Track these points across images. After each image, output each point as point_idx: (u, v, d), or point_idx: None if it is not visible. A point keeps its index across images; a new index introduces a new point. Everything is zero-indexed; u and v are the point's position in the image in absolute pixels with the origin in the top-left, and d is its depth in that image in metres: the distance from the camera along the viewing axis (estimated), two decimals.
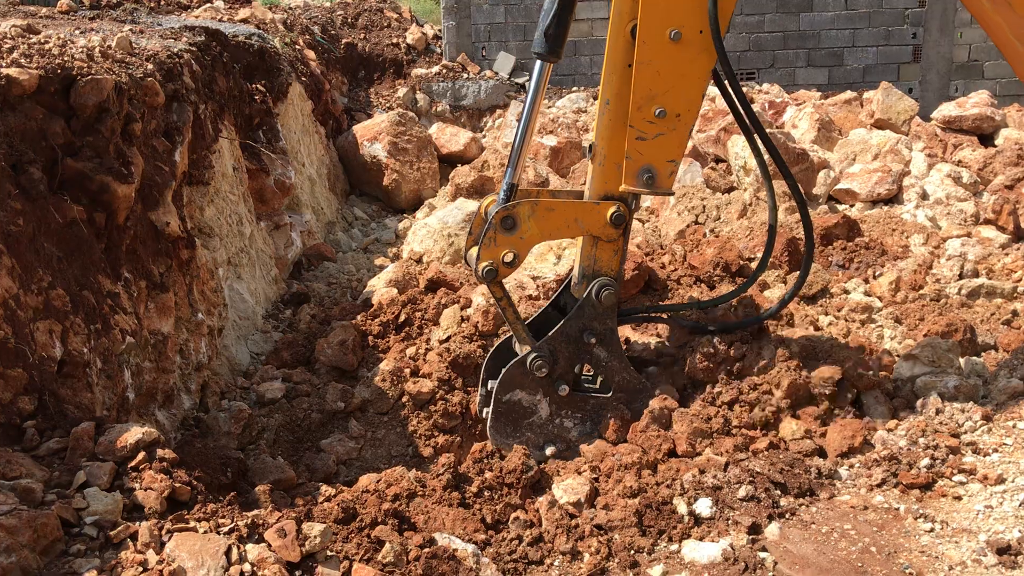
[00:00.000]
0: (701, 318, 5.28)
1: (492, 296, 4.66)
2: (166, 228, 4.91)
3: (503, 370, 4.66)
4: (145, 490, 3.38)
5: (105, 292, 4.25)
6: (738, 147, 8.36)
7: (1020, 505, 4.14)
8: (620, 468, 4.46)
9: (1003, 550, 3.87)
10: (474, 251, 4.56)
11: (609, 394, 4.76)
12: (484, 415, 4.83)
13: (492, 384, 4.72)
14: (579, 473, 4.60)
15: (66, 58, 4.38)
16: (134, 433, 3.54)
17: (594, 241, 4.60)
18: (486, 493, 4.42)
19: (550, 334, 4.64)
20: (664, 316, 5.30)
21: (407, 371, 5.28)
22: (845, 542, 4.04)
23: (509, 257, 4.48)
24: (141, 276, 4.66)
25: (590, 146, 4.59)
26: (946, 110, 9.68)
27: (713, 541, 3.96)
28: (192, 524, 3.33)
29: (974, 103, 9.72)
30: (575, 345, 4.67)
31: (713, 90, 11.40)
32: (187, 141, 5.39)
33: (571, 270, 4.95)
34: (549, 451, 4.69)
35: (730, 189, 8.28)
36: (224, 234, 5.99)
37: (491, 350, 4.98)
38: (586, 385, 4.89)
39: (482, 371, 4.91)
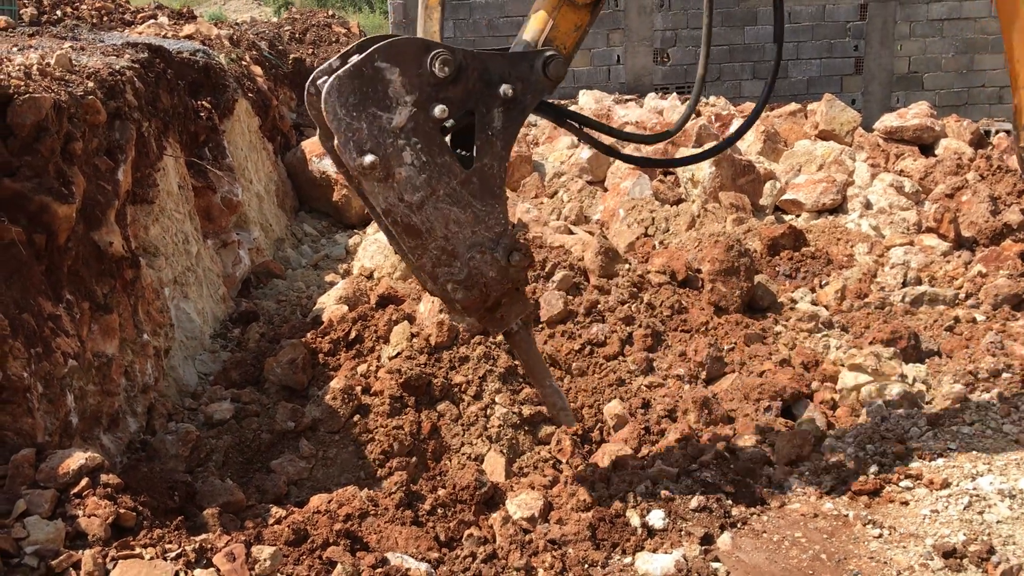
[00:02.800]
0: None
1: None
2: (109, 248, 4.82)
3: (401, 37, 3.68)
4: (88, 517, 3.30)
5: (46, 315, 4.15)
6: None
7: (965, 509, 4.22)
8: (573, 482, 4.47)
9: (949, 554, 3.94)
10: None
11: (467, 170, 3.81)
12: (319, 83, 3.70)
13: (356, 58, 3.61)
14: (532, 488, 4.59)
15: (2, 77, 4.29)
16: (77, 459, 3.46)
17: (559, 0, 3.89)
18: (439, 510, 4.40)
19: (475, 51, 3.77)
20: (579, 128, 4.53)
21: (358, 389, 5.24)
22: (796, 550, 4.09)
23: None
24: (84, 297, 4.57)
25: None
26: (888, 121, 9.91)
27: (666, 552, 3.98)
28: (138, 550, 3.26)
29: (915, 114, 9.95)
30: (483, 86, 3.75)
31: (661, 103, 11.52)
32: (130, 159, 5.30)
33: None
34: (367, 160, 3.58)
35: (678, 201, 8.36)
36: (170, 253, 5.90)
37: (374, 36, 3.88)
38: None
39: (352, 45, 3.79)
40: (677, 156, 8.68)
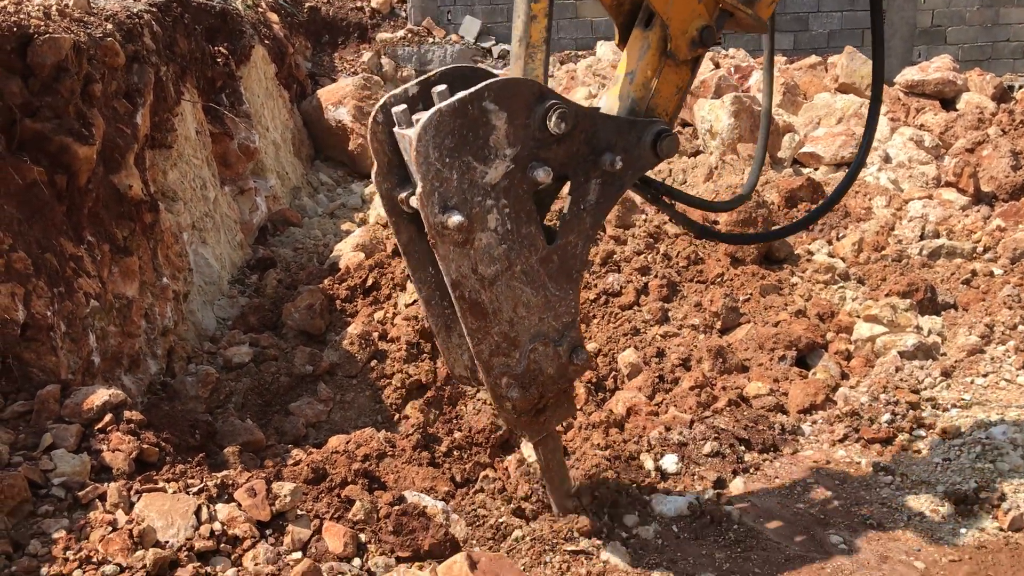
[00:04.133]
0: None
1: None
2: (128, 191, 4.84)
3: (515, 77, 3.19)
4: (113, 452, 3.37)
5: (68, 255, 4.19)
6: (704, 111, 8.38)
7: (977, 458, 4.25)
8: (588, 427, 4.51)
9: (960, 500, 3.97)
10: None
11: (551, 245, 3.33)
12: (397, 110, 3.16)
13: (442, 87, 3.11)
14: None
15: (22, 16, 4.29)
16: (100, 395, 3.52)
17: (660, 61, 3.44)
18: (455, 452, 4.46)
19: (588, 108, 3.32)
20: (673, 206, 4.19)
21: (375, 335, 5.28)
22: (808, 495, 4.13)
23: None
24: (104, 240, 4.61)
25: None
26: (909, 75, 9.77)
27: (680, 495, 4.03)
28: (161, 485, 3.33)
29: (936, 68, 9.80)
30: (587, 153, 3.32)
31: None
32: (148, 103, 5.31)
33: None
34: (453, 219, 3.04)
35: (696, 153, 8.31)
36: (188, 198, 5.92)
37: (456, 65, 3.48)
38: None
39: (435, 72, 3.32)
40: (696, 120, 8.60)
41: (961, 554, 3.68)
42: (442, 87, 3.09)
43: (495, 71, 3.51)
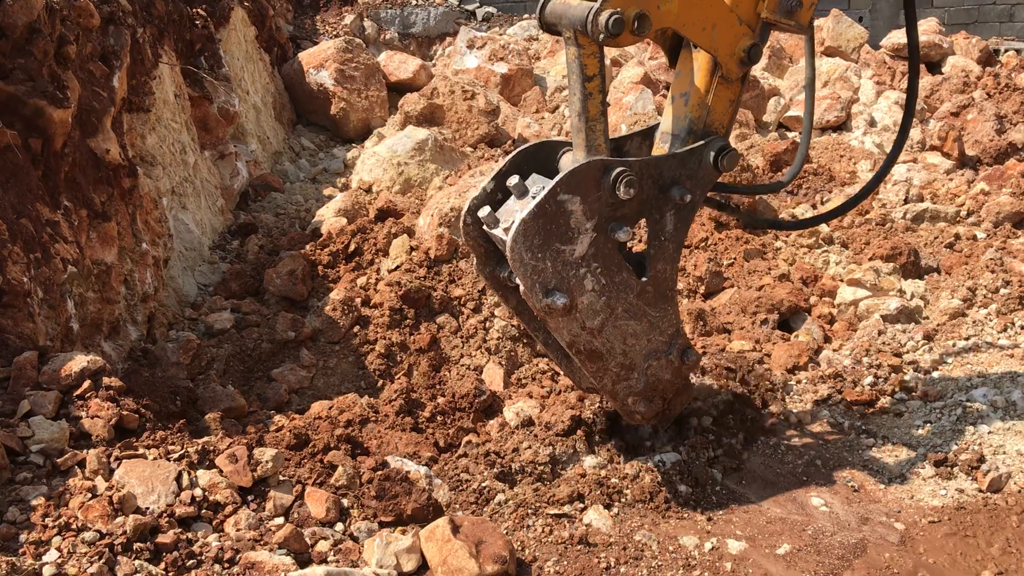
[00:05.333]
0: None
1: (580, 70, 3.40)
2: (106, 155, 4.77)
3: (578, 164, 3.43)
4: (92, 418, 3.34)
5: (44, 220, 4.13)
6: None
7: (957, 420, 4.28)
8: (566, 389, 4.52)
9: (940, 462, 4.00)
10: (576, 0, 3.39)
11: (642, 279, 3.68)
12: (481, 214, 3.57)
13: (515, 179, 3.55)
14: (530, 397, 4.64)
15: None
16: (79, 362, 3.48)
17: (711, 80, 3.66)
18: (439, 418, 4.45)
19: (646, 159, 3.57)
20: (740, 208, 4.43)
21: (358, 301, 5.25)
22: (792, 455, 4.15)
23: (636, 20, 3.29)
24: (82, 205, 4.54)
25: None
26: (895, 38, 9.72)
27: (667, 452, 4.05)
28: (141, 451, 3.31)
29: (923, 31, 9.76)
30: (660, 193, 3.59)
31: None
32: (125, 66, 5.21)
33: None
34: (558, 301, 3.45)
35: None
36: (167, 163, 5.84)
37: (525, 146, 3.80)
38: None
39: (503, 162, 3.73)
40: None
41: (941, 515, 3.71)
42: (515, 179, 3.53)
43: (557, 139, 3.82)
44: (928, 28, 9.83)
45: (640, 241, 3.86)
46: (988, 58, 9.74)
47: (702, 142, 3.65)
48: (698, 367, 4.20)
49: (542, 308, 3.49)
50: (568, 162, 3.67)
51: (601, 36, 3.24)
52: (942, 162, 7.44)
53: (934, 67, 9.67)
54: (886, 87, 9.03)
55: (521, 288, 3.51)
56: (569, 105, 3.56)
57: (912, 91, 4.28)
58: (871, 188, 4.51)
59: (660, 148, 3.83)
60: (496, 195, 3.67)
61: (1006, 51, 11.02)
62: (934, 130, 7.73)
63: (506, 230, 3.43)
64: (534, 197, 3.40)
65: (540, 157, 3.72)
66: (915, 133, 8.01)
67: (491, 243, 3.70)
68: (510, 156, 3.71)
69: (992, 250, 5.86)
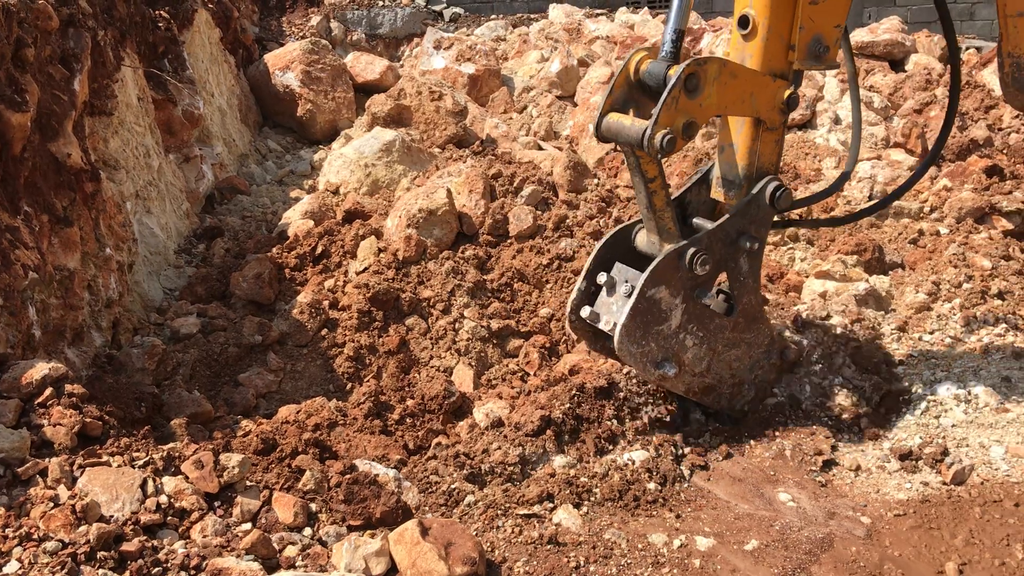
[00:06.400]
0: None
1: (642, 176, 3.84)
2: (67, 159, 4.71)
3: (656, 260, 3.90)
4: (54, 426, 3.30)
5: (3, 226, 4.07)
6: None
7: (922, 413, 4.33)
8: (535, 390, 4.52)
9: (905, 456, 4.05)
10: (621, 118, 3.79)
11: (731, 317, 4.16)
12: (584, 315, 4.13)
13: (606, 277, 4.08)
14: (500, 398, 4.64)
15: None
16: (40, 369, 3.44)
17: (757, 130, 3.99)
18: (408, 420, 4.44)
19: (710, 229, 3.99)
20: (799, 218, 5.11)
21: (326, 303, 5.22)
22: (760, 450, 4.18)
23: (684, 127, 3.69)
24: (43, 210, 4.48)
25: (742, 18, 3.87)
26: (859, 36, 9.82)
27: (635, 451, 4.07)
28: (105, 459, 3.27)
29: (885, 29, 9.87)
30: (728, 248, 4.03)
31: (632, 17, 11.36)
32: (86, 69, 5.15)
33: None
34: (669, 371, 4.04)
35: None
36: (131, 167, 5.78)
37: (603, 239, 4.25)
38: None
39: (588, 261, 4.19)
40: None
41: (906, 508, 3.76)
42: (603, 276, 4.09)
43: (627, 223, 4.29)
44: (891, 27, 9.93)
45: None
46: None
47: (756, 189, 4.04)
48: (799, 359, 4.57)
49: (656, 380, 4.11)
50: (643, 241, 4.18)
51: (659, 155, 3.68)
52: (906, 159, 7.52)
53: (897, 65, 9.77)
54: None
55: (636, 374, 4.24)
56: (636, 199, 4.26)
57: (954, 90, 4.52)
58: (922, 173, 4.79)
59: (717, 191, 4.21)
60: (590, 290, 4.19)
61: (967, 49, 11.16)
62: (898, 127, 7.82)
63: (610, 331, 3.99)
64: (626, 295, 3.99)
65: (617, 243, 4.22)
66: (879, 130, 8.09)
67: (597, 329, 4.18)
68: (593, 255, 4.20)
69: (955, 245, 5.93)
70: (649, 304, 3.91)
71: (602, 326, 4.08)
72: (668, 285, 3.92)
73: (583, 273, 4.20)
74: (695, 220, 4.21)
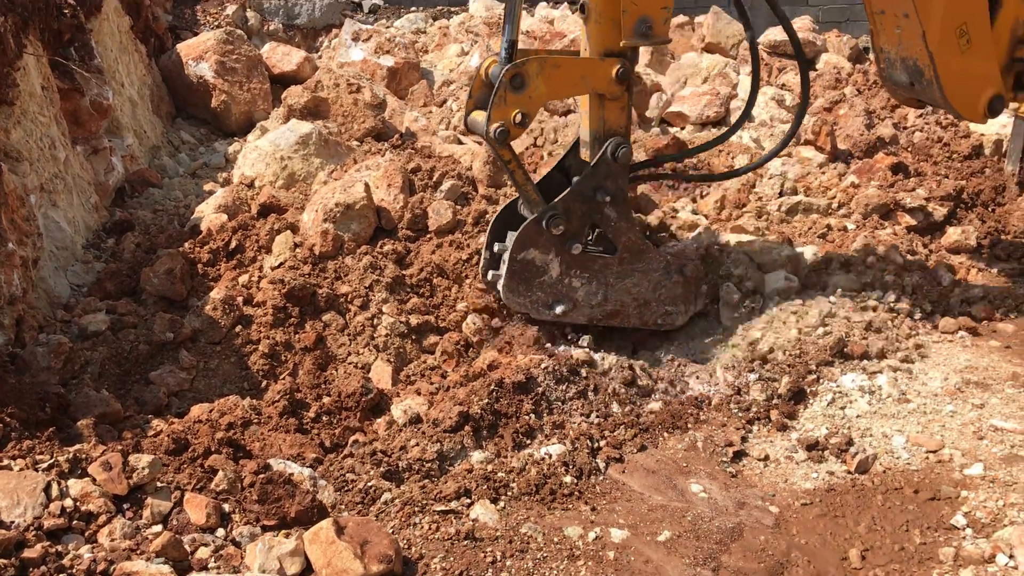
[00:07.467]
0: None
1: (500, 159, 4.62)
2: None
3: (519, 229, 4.69)
4: None
5: None
6: None
7: (828, 405, 4.46)
8: (454, 386, 4.53)
9: (812, 446, 4.17)
10: (479, 114, 4.58)
11: (615, 255, 4.85)
12: (490, 278, 4.96)
13: (499, 246, 4.88)
14: (418, 394, 4.63)
15: None
16: None
17: (601, 101, 4.67)
18: (324, 418, 4.40)
19: (564, 193, 4.68)
20: (670, 172, 5.86)
21: (240, 300, 5.13)
22: (673, 441, 4.26)
23: (519, 117, 4.45)
24: None
25: (581, 5, 4.58)
26: (772, 35, 10.03)
27: (552, 444, 4.10)
28: (6, 462, 3.17)
29: (797, 28, 10.07)
30: (588, 204, 4.72)
31: (552, 12, 11.41)
32: None
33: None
34: (559, 310, 4.81)
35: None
36: (35, 158, 5.59)
37: (496, 214, 5.07)
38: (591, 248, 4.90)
39: (487, 235, 5.03)
40: None
41: (812, 497, 3.88)
42: (498, 246, 4.97)
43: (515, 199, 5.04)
44: (803, 26, 10.18)
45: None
46: (858, 55, 10.14)
47: (602, 150, 4.70)
48: (700, 270, 5.15)
49: (553, 318, 4.86)
50: (525, 211, 4.86)
51: (498, 144, 4.48)
52: (816, 156, 7.72)
53: (808, 63, 10.02)
54: (763, 83, 9.31)
55: (533, 316, 4.89)
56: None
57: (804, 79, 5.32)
58: (789, 139, 5.57)
59: (584, 153, 4.90)
60: (492, 257, 5.01)
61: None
62: (808, 125, 8.03)
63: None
64: (504, 262, 4.77)
65: (508, 216, 4.99)
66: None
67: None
68: (489, 228, 5.05)
69: (861, 239, 6.12)
70: (522, 265, 4.72)
71: (493, 277, 4.93)
72: (536, 246, 4.70)
73: (484, 245, 5.05)
74: (575, 180, 4.80)
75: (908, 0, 4.78)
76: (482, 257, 5.08)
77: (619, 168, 4.74)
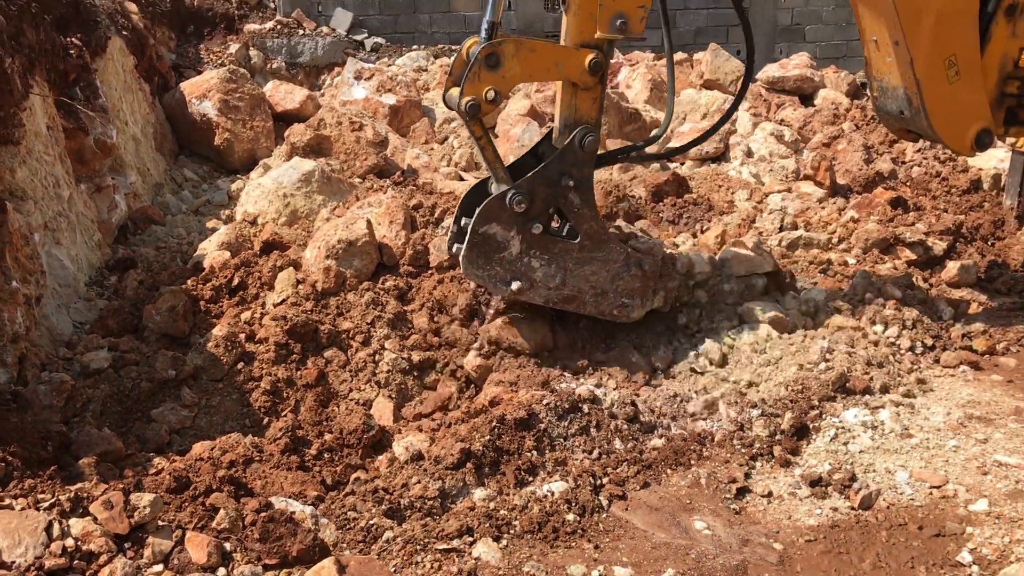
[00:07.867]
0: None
1: (472, 135, 4.74)
2: None
3: (482, 203, 4.80)
4: None
5: None
6: None
7: (831, 440, 4.45)
8: (455, 423, 4.52)
9: (815, 482, 4.15)
10: (455, 90, 4.69)
11: (576, 241, 4.95)
12: (454, 251, 5.09)
13: (466, 221, 4.92)
14: (420, 431, 4.62)
15: None
16: None
17: (574, 90, 4.81)
18: (326, 455, 4.39)
19: (530, 174, 4.80)
20: (634, 156, 6.10)
21: (242, 336, 5.14)
22: (676, 477, 4.24)
23: (491, 95, 4.58)
24: None
25: None
26: (770, 71, 10.14)
27: (554, 482, 4.08)
28: (7, 502, 3.17)
29: (795, 64, 10.22)
30: (552, 188, 4.83)
31: None
32: None
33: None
34: (515, 286, 4.89)
35: None
36: (39, 197, 5.63)
37: (467, 190, 5.18)
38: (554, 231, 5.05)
39: (456, 209, 5.15)
40: None
41: (816, 534, 3.86)
42: (464, 220, 4.98)
43: (485, 178, 5.14)
44: (800, 62, 10.29)
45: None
46: (856, 91, 10.24)
47: (570, 137, 4.81)
48: (658, 266, 5.18)
49: (509, 296, 4.99)
50: (494, 188, 4.95)
51: (468, 118, 4.62)
52: (815, 191, 7.78)
53: (807, 99, 10.11)
54: (762, 119, 9.40)
55: (488, 290, 5.08)
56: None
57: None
58: (726, 118, 5.79)
59: (557, 139, 4.98)
60: (459, 231, 5.06)
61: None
62: (807, 160, 8.09)
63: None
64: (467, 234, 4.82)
65: (478, 192, 5.09)
66: (790, 163, 8.36)
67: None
68: (459, 203, 5.15)
69: (861, 274, 6.13)
70: (484, 238, 4.82)
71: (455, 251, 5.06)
72: (498, 222, 4.81)
73: (453, 219, 5.18)
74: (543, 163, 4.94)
75: (898, 28, 4.86)
76: (449, 232, 5.21)
77: (586, 156, 4.86)
